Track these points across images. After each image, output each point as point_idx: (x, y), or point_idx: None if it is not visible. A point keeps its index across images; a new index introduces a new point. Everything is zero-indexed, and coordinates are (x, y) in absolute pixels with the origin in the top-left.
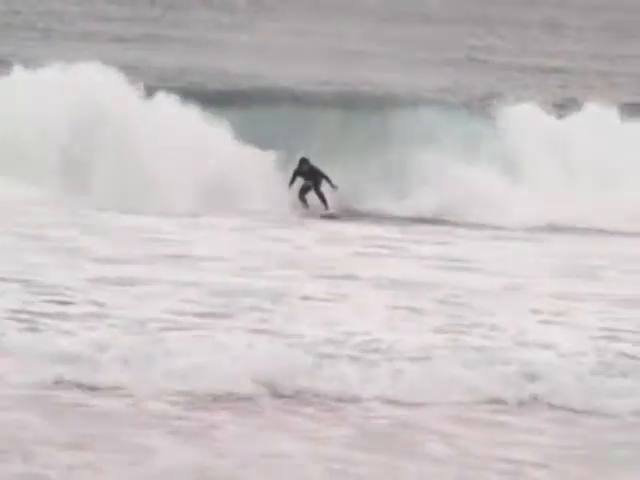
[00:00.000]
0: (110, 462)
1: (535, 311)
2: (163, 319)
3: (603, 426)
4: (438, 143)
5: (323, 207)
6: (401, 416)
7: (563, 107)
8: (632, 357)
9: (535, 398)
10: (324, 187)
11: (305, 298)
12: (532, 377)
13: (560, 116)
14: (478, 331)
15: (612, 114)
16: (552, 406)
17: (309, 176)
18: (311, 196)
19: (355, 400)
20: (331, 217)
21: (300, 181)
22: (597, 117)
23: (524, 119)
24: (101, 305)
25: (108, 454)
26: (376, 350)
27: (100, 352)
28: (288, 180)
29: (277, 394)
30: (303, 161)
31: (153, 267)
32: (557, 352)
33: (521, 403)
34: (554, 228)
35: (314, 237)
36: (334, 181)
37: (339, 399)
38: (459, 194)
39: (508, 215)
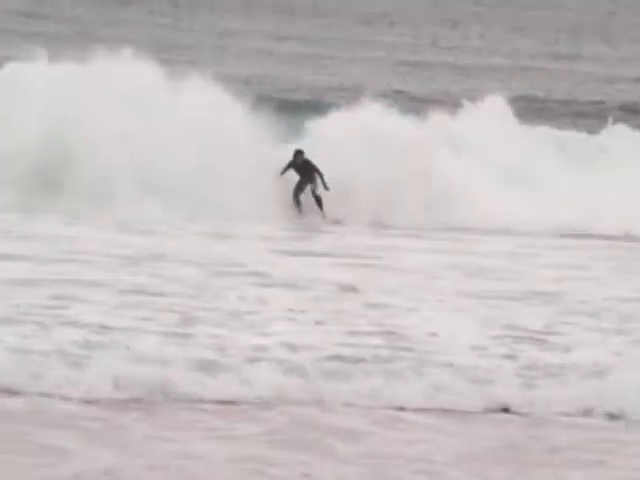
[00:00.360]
0: (16, 464)
1: (445, 309)
2: (75, 322)
3: (517, 425)
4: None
5: (319, 211)
6: (307, 416)
7: (462, 104)
8: (543, 358)
9: (447, 398)
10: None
11: (218, 297)
12: (443, 377)
13: (461, 113)
14: (393, 331)
15: (512, 110)
16: (465, 407)
17: (302, 170)
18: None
19: (264, 402)
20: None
21: (291, 173)
22: (499, 113)
23: (430, 118)
24: (10, 307)
25: (14, 455)
26: (290, 351)
27: (8, 354)
28: (280, 170)
29: (185, 396)
30: (298, 153)
31: (63, 267)
32: (468, 351)
33: (432, 404)
34: (449, 227)
35: (200, 233)
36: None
37: (247, 401)
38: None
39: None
